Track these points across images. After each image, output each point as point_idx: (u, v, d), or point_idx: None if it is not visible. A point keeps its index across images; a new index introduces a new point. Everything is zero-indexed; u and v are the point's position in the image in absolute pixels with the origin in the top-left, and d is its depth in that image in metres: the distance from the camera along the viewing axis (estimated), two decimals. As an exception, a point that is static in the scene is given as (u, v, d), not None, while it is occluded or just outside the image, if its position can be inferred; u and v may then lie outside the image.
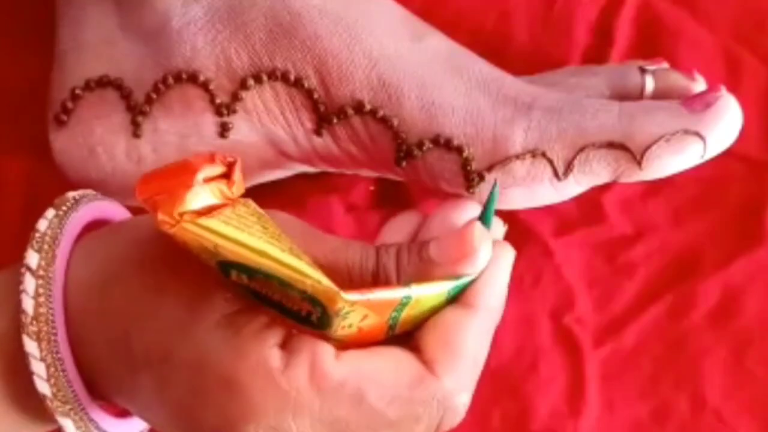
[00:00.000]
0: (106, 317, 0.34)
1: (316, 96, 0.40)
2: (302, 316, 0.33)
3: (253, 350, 0.32)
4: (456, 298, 0.35)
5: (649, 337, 0.47)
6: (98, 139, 0.42)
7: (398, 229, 0.39)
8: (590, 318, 0.47)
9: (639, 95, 0.43)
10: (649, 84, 0.43)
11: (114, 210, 0.39)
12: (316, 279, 0.31)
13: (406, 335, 0.35)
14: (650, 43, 0.48)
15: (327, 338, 0.33)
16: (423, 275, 0.34)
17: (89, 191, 0.38)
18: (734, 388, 0.46)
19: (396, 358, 0.34)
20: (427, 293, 0.34)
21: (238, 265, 0.32)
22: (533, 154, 0.40)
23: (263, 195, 0.46)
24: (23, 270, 0.34)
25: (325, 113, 0.41)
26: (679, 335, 0.47)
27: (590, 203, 0.46)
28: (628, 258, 0.47)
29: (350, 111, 0.40)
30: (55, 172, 0.43)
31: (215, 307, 0.33)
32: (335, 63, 0.40)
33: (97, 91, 0.42)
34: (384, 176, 0.44)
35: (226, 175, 0.32)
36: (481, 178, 0.40)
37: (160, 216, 0.31)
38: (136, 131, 0.41)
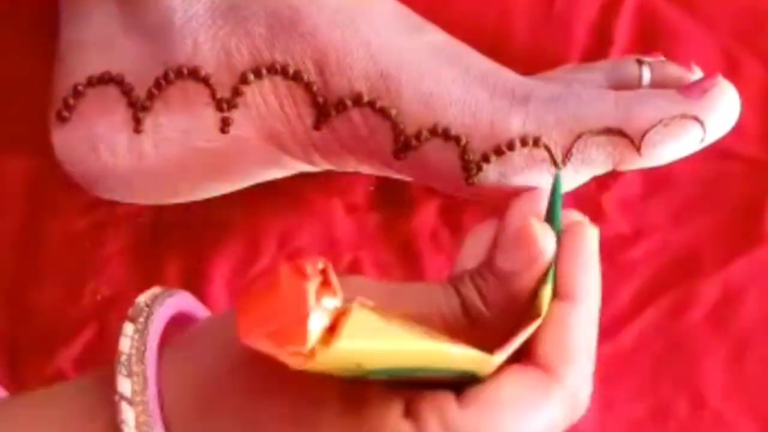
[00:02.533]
0: None
1: (314, 89, 0.41)
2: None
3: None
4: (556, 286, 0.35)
5: (648, 337, 0.46)
6: (100, 135, 0.42)
7: (474, 243, 0.38)
8: (590, 318, 0.46)
9: (636, 86, 0.43)
10: (646, 75, 0.43)
11: (186, 302, 0.37)
12: (465, 356, 0.30)
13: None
14: (649, 43, 0.48)
15: None
16: (508, 293, 0.34)
17: (156, 289, 0.36)
18: (734, 388, 0.46)
19: (519, 381, 0.33)
20: (545, 298, 0.34)
21: (380, 371, 0.30)
22: (531, 142, 0.40)
23: (263, 195, 0.46)
24: (117, 399, 0.32)
25: (323, 106, 0.41)
26: (678, 335, 0.46)
27: (589, 203, 0.46)
28: (627, 258, 0.47)
29: (349, 103, 0.40)
30: (56, 170, 0.43)
31: (328, 395, 0.32)
32: (334, 54, 0.40)
33: (99, 88, 0.42)
34: (383, 174, 0.44)
35: (324, 282, 0.28)
36: (479, 168, 0.40)
37: (291, 348, 0.26)
38: (137, 127, 0.42)
